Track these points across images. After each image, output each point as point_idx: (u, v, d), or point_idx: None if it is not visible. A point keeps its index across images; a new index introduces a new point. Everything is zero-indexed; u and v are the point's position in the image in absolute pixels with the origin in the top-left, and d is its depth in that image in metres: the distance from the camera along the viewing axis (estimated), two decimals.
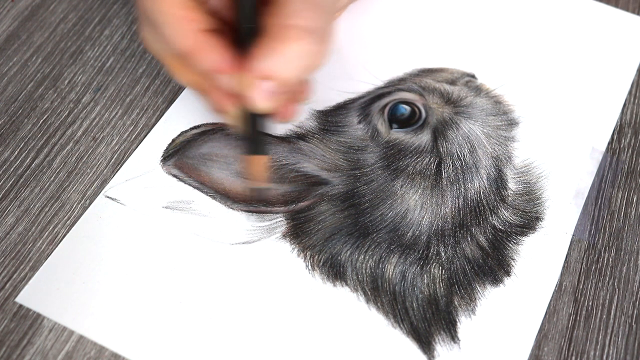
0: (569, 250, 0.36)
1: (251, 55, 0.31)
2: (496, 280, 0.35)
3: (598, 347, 0.33)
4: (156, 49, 0.33)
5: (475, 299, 0.34)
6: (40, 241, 0.35)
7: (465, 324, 0.33)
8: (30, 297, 0.34)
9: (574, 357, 0.33)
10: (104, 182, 0.37)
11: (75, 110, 0.40)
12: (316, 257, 0.35)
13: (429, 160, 0.37)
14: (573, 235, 0.36)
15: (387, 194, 0.36)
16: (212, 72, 0.32)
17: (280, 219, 0.36)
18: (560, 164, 0.38)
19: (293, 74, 0.31)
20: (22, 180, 0.37)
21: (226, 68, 0.32)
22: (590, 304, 0.34)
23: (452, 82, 0.40)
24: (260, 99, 0.31)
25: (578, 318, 0.34)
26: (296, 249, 0.35)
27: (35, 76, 0.41)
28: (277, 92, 0.31)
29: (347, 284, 0.34)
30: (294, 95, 0.34)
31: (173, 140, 0.38)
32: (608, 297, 0.35)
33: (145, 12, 0.32)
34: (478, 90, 0.40)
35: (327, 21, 0.31)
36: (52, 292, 0.34)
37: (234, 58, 0.31)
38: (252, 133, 0.34)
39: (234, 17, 0.32)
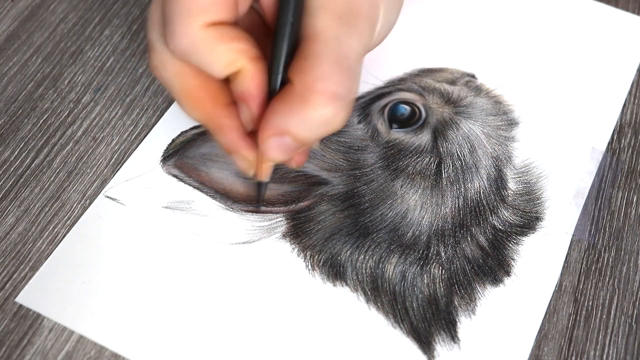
0: (569, 250, 0.36)
1: (273, 109, 0.30)
2: (496, 280, 0.35)
3: (598, 347, 0.33)
4: (166, 77, 0.32)
5: (475, 299, 0.34)
6: (40, 241, 0.35)
7: (465, 324, 0.33)
8: (30, 297, 0.34)
9: (574, 357, 0.33)
10: (104, 182, 0.37)
11: (75, 110, 0.40)
12: (316, 257, 0.35)
13: (429, 160, 0.37)
14: (573, 235, 0.36)
15: (387, 194, 0.37)
16: (229, 151, 0.32)
17: (280, 219, 0.36)
18: (560, 164, 0.38)
19: (313, 137, 0.30)
20: (22, 180, 0.37)
21: (241, 146, 0.31)
22: (590, 304, 0.34)
23: (452, 82, 0.40)
24: (275, 153, 0.31)
25: (578, 318, 0.34)
26: (296, 249, 0.35)
27: (35, 76, 0.41)
28: (293, 148, 0.31)
29: (347, 284, 0.34)
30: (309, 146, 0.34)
31: (173, 140, 0.38)
32: (608, 297, 0.35)
33: (159, 75, 0.32)
34: (478, 90, 0.40)
35: (356, 81, 0.30)
36: (52, 292, 0.34)
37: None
38: (262, 182, 0.34)
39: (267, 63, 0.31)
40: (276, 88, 0.31)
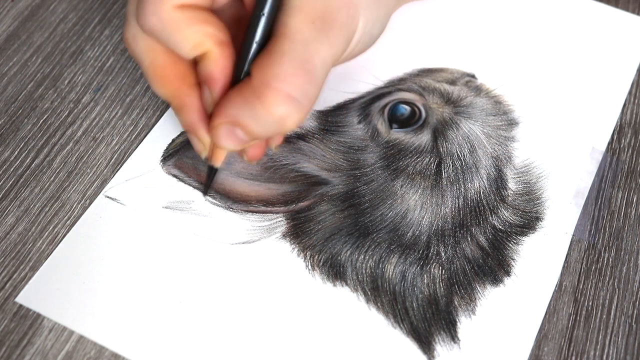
0: (569, 250, 0.36)
1: (229, 97, 0.31)
2: (496, 280, 0.35)
3: (598, 347, 0.33)
4: (137, 52, 0.33)
5: (475, 299, 0.34)
6: (40, 241, 0.35)
7: (465, 324, 0.33)
8: (30, 297, 0.34)
9: (574, 357, 0.33)
10: (104, 182, 0.37)
11: (75, 110, 0.40)
12: (316, 257, 0.35)
13: (429, 160, 0.37)
14: (573, 235, 0.36)
15: (387, 194, 0.37)
16: (187, 130, 0.33)
17: (280, 219, 0.36)
18: (560, 164, 0.38)
19: (263, 133, 0.31)
20: (22, 180, 0.37)
21: (199, 128, 0.32)
22: (590, 304, 0.34)
23: (452, 82, 0.40)
24: (224, 140, 0.31)
25: (578, 318, 0.34)
26: (296, 249, 0.35)
27: (35, 76, 0.41)
28: (243, 140, 0.31)
29: (347, 284, 0.34)
30: (263, 141, 0.34)
31: (173, 140, 0.38)
32: (608, 297, 0.35)
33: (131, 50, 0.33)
34: (478, 90, 0.40)
35: (316, 87, 0.31)
36: (52, 292, 0.34)
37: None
38: (212, 167, 0.35)
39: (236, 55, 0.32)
40: (240, 78, 0.31)
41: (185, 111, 0.33)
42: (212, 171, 0.35)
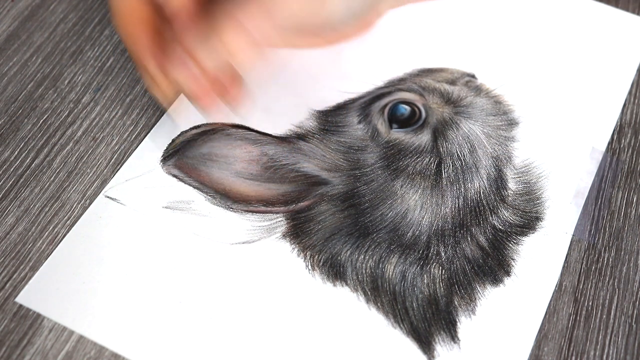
0: (569, 250, 0.36)
1: (186, 25, 0.31)
2: (496, 280, 0.35)
3: (598, 347, 0.33)
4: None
5: (475, 299, 0.34)
6: (40, 241, 0.35)
7: (465, 324, 0.33)
8: (30, 297, 0.34)
9: (574, 357, 0.33)
10: (104, 182, 0.37)
11: (75, 110, 0.40)
12: (316, 257, 0.35)
13: (429, 160, 0.37)
14: (573, 235, 0.36)
15: (387, 194, 0.37)
16: (148, 75, 0.33)
17: (280, 219, 0.36)
18: (560, 164, 0.38)
19: (211, 61, 0.31)
20: (22, 180, 0.37)
21: (151, 58, 0.33)
22: (590, 304, 0.34)
23: (452, 82, 0.40)
24: (177, 71, 0.32)
25: (578, 318, 0.34)
26: (296, 249, 0.35)
27: (35, 76, 0.41)
28: (195, 70, 0.31)
29: (347, 284, 0.34)
30: (219, 86, 0.34)
31: (173, 140, 0.38)
32: (608, 297, 0.35)
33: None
34: (478, 90, 0.40)
35: (275, 30, 0.31)
36: (52, 292, 0.34)
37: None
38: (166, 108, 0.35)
39: None
40: None
41: (140, 50, 0.33)
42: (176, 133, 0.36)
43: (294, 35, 0.32)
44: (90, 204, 0.36)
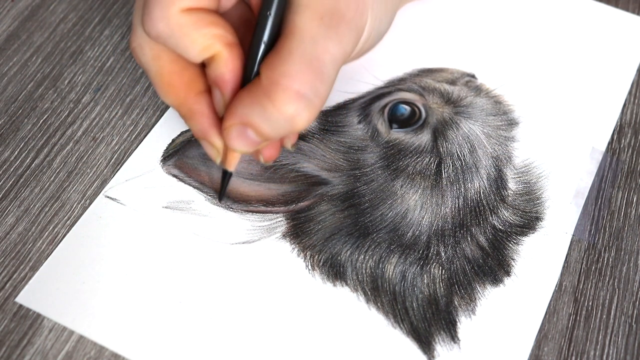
0: (569, 250, 0.36)
1: (239, 98, 0.30)
2: (496, 280, 0.35)
3: (598, 347, 0.33)
4: (144, 60, 0.32)
5: (475, 299, 0.34)
6: (40, 241, 0.35)
7: (465, 324, 0.33)
8: (30, 297, 0.34)
9: (574, 357, 0.33)
10: (104, 182, 0.37)
11: (75, 110, 0.40)
12: (316, 257, 0.35)
13: (429, 160, 0.37)
14: (573, 235, 0.36)
15: (387, 194, 0.37)
16: (199, 137, 0.33)
17: (280, 219, 0.36)
18: (560, 164, 0.38)
19: (275, 133, 0.30)
20: (22, 180, 0.37)
21: (211, 133, 0.32)
22: (590, 304, 0.34)
23: (452, 82, 0.40)
24: (236, 142, 0.31)
25: (578, 318, 0.34)
26: (296, 249, 0.35)
27: (35, 76, 0.41)
28: (256, 141, 0.31)
29: (347, 284, 0.34)
30: (276, 142, 0.34)
31: (173, 140, 0.38)
32: (608, 297, 0.35)
33: (140, 61, 0.32)
34: (478, 90, 0.40)
35: (326, 85, 0.30)
36: (52, 292, 0.34)
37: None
38: (227, 171, 0.34)
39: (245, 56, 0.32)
40: (249, 79, 0.31)
41: (195, 118, 0.32)
42: (227, 175, 0.35)
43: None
44: (90, 204, 0.36)
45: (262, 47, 0.31)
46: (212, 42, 0.30)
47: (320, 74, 0.30)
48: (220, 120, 0.32)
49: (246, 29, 0.33)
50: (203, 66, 0.32)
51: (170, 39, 0.30)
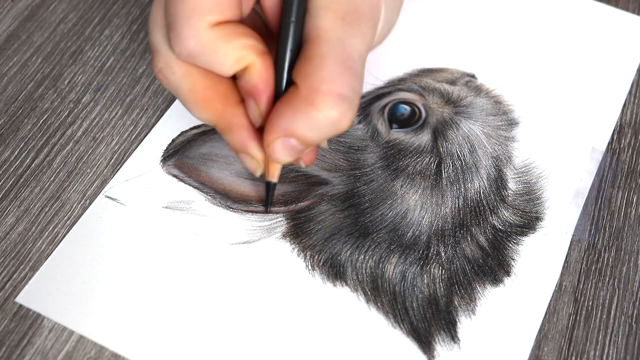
0: (569, 250, 0.36)
1: (278, 111, 0.30)
2: (496, 280, 0.35)
3: (598, 347, 0.33)
4: (173, 80, 0.32)
5: (475, 299, 0.34)
6: (40, 241, 0.35)
7: (465, 324, 0.33)
8: (30, 297, 0.34)
9: (574, 357, 0.33)
10: (104, 182, 0.37)
11: (75, 110, 0.40)
12: (316, 257, 0.35)
13: (429, 160, 0.37)
14: (573, 235, 0.36)
15: (387, 194, 0.37)
16: (238, 150, 0.32)
17: (280, 219, 0.36)
18: (560, 164, 0.38)
19: (319, 138, 0.30)
20: (22, 180, 0.37)
21: (251, 146, 0.31)
22: (590, 304, 0.34)
23: (452, 82, 0.40)
24: (281, 155, 0.31)
25: (578, 318, 0.34)
26: (296, 249, 0.35)
27: (35, 76, 0.41)
28: (300, 149, 0.31)
29: (347, 284, 0.34)
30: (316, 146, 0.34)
31: (173, 140, 0.38)
32: (608, 297, 0.35)
33: (168, 84, 0.32)
34: (478, 90, 0.40)
35: (360, 81, 0.30)
36: (52, 292, 0.34)
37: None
38: (271, 183, 0.34)
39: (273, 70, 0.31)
40: (281, 89, 0.31)
41: (234, 132, 0.32)
42: (271, 186, 0.35)
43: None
44: (90, 204, 0.36)
45: (289, 54, 0.30)
46: (245, 54, 0.30)
47: (354, 72, 0.30)
48: (256, 131, 0.32)
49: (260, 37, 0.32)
50: (234, 78, 0.32)
51: (202, 56, 0.30)
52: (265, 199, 0.36)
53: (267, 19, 0.32)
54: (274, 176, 0.33)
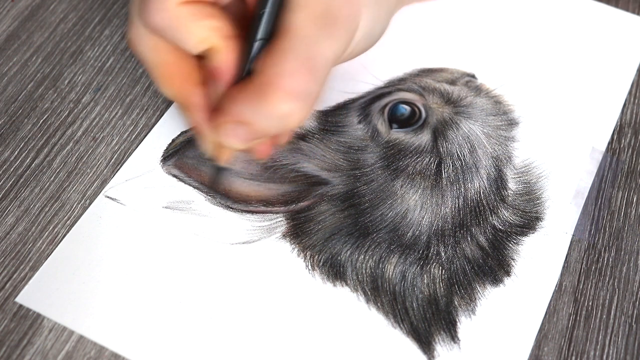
0: (569, 250, 0.36)
1: (232, 95, 0.30)
2: (496, 280, 0.35)
3: (598, 347, 0.33)
4: (140, 51, 0.32)
5: (475, 299, 0.34)
6: (40, 241, 0.35)
7: (465, 324, 0.33)
8: (30, 297, 0.34)
9: (574, 357, 0.33)
10: (104, 182, 0.37)
11: (75, 110, 0.40)
12: (316, 257, 0.35)
13: (429, 160, 0.37)
14: (573, 235, 0.36)
15: (387, 194, 0.37)
16: (195, 130, 0.32)
17: (280, 219, 0.36)
18: (560, 164, 0.38)
19: (269, 131, 0.30)
20: (22, 180, 0.37)
21: (206, 127, 0.32)
22: (590, 304, 0.34)
23: (452, 82, 0.40)
24: (231, 139, 0.31)
25: (578, 318, 0.34)
26: (296, 249, 0.35)
27: (35, 76, 0.41)
28: (249, 138, 0.31)
29: (347, 284, 0.34)
30: (270, 139, 0.34)
31: (173, 140, 0.38)
32: (608, 297, 0.35)
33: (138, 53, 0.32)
34: (478, 90, 0.40)
35: (319, 85, 0.30)
36: (52, 292, 0.34)
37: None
38: (220, 167, 0.34)
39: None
40: (242, 76, 0.31)
41: (191, 110, 0.32)
42: (221, 171, 0.35)
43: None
44: (90, 204, 0.36)
45: (256, 44, 0.31)
46: (209, 34, 0.30)
47: (313, 73, 0.30)
48: (213, 114, 0.32)
49: (241, 26, 0.33)
50: (200, 58, 0.32)
51: (168, 30, 0.31)
52: (214, 181, 0.36)
53: (248, 8, 0.33)
54: (222, 160, 0.34)
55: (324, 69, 0.31)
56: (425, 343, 0.33)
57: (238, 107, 0.30)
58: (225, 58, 0.31)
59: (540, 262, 0.35)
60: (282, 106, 0.29)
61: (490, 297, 0.34)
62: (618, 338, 0.33)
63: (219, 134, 0.31)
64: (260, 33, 0.31)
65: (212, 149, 0.33)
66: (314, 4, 0.30)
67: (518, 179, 0.38)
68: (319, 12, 0.30)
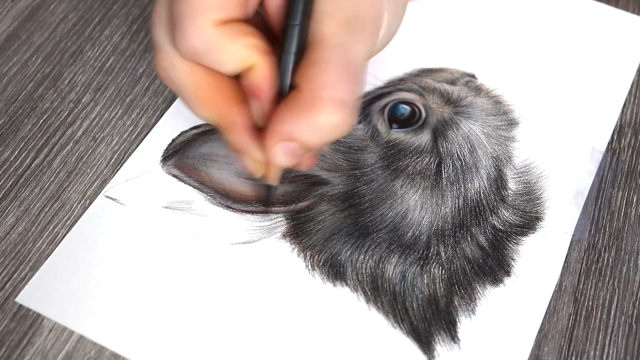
0: (569, 250, 0.36)
1: (279, 114, 0.30)
2: (496, 280, 0.35)
3: (598, 347, 0.33)
4: (177, 78, 0.31)
5: (475, 299, 0.34)
6: (40, 241, 0.35)
7: (465, 324, 0.33)
8: (30, 297, 0.34)
9: (574, 357, 0.33)
10: (104, 182, 0.37)
11: (75, 110, 0.40)
12: (316, 257, 0.35)
13: (429, 160, 0.37)
14: (573, 235, 0.36)
15: (387, 194, 0.37)
16: (239, 151, 0.31)
17: (280, 219, 0.36)
18: (560, 164, 0.38)
19: (320, 143, 0.30)
20: (22, 180, 0.37)
21: (252, 147, 0.31)
22: (590, 304, 0.34)
23: (452, 82, 0.40)
24: (282, 158, 0.30)
25: (578, 318, 0.34)
26: (296, 249, 0.35)
27: (35, 76, 0.41)
28: (300, 153, 0.31)
29: (347, 284, 0.34)
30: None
31: (173, 140, 0.38)
32: (608, 297, 0.35)
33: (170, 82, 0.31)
34: (478, 90, 0.40)
35: (359, 89, 0.30)
36: (52, 292, 0.34)
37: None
38: (271, 186, 0.34)
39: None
40: (285, 91, 0.31)
41: (236, 131, 0.31)
42: (271, 189, 0.35)
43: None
44: (90, 204, 0.36)
45: (293, 58, 0.30)
46: (249, 53, 0.30)
47: (355, 78, 0.30)
48: (258, 132, 0.31)
49: (266, 39, 0.32)
50: (236, 77, 0.32)
51: (206, 54, 0.30)
52: (265, 201, 0.36)
53: (270, 21, 0.32)
54: (274, 179, 0.33)
55: (361, 73, 0.31)
56: (425, 343, 0.33)
57: (288, 125, 0.29)
58: (265, 75, 0.30)
59: (540, 262, 0.35)
60: (332, 117, 0.29)
61: (490, 297, 0.34)
62: (618, 338, 0.33)
63: (271, 154, 0.30)
64: (295, 46, 0.30)
65: (258, 168, 0.32)
66: (342, 11, 0.30)
67: (518, 179, 0.38)
68: (348, 18, 0.30)
